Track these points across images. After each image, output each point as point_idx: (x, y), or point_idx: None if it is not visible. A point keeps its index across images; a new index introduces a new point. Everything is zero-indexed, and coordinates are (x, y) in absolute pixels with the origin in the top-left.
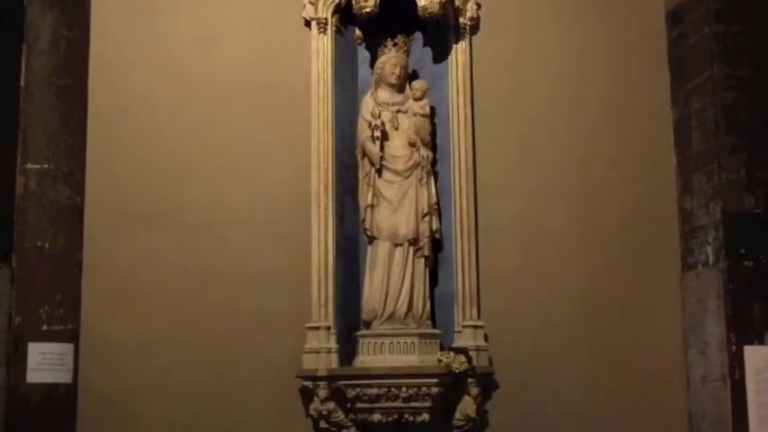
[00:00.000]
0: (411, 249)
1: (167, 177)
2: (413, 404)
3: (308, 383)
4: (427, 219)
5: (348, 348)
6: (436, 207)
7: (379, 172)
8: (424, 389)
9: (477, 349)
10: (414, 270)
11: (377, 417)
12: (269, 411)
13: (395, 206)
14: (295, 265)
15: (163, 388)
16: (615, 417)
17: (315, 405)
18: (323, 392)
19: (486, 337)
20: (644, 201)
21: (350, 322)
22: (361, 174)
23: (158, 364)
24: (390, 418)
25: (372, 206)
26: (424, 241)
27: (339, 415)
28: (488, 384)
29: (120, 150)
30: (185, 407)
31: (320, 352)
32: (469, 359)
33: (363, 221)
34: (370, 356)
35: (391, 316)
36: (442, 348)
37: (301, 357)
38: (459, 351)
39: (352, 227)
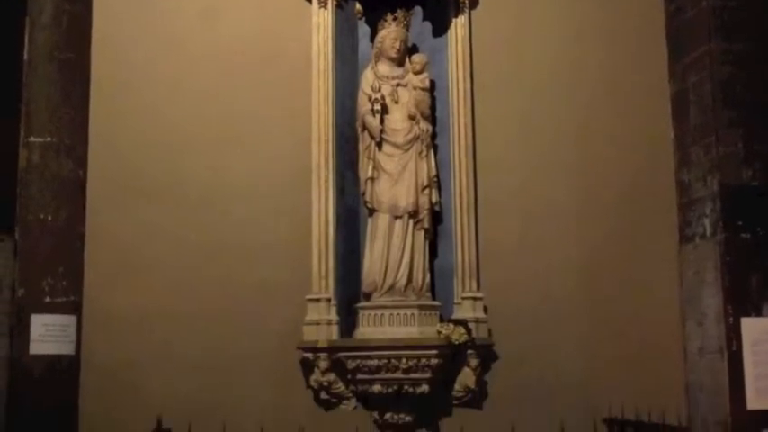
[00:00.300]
0: (411, 222)
1: (169, 151)
2: (413, 375)
3: (309, 355)
4: (427, 191)
5: (348, 320)
6: (436, 180)
7: (379, 145)
8: (423, 360)
9: (477, 321)
10: (413, 242)
11: (377, 388)
12: (270, 383)
13: (395, 179)
14: (296, 238)
15: (165, 359)
16: (614, 388)
17: (315, 376)
18: (323, 364)
19: (485, 309)
20: (642, 174)
21: (350, 294)
22: (361, 147)
23: (160, 335)
24: (390, 389)
25: (372, 179)
26: (424, 214)
27: (339, 386)
28: (488, 356)
29: (123, 124)
30: (187, 378)
31: (320, 324)
32: (469, 331)
33: (363, 194)
34: (371, 328)
35: (391, 288)
36: (441, 320)
37: (302, 329)
38: (458, 323)
39: (353, 199)
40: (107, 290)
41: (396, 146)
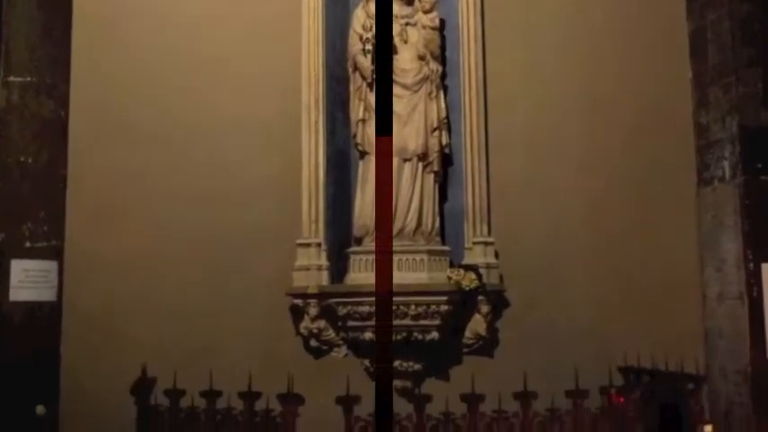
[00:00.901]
0: (420, 165)
1: (155, 90)
2: (422, 322)
3: (299, 301)
4: (437, 133)
5: (339, 265)
6: (446, 121)
7: (371, 86)
8: (433, 307)
9: (488, 266)
10: (423, 186)
11: (368, 335)
12: (259, 330)
13: (404, 120)
14: (286, 181)
15: (150, 306)
16: (628, 334)
17: (305, 323)
18: (313, 310)
19: (496, 254)
20: (659, 115)
21: (341, 239)
22: (352, 88)
23: (145, 281)
24: (399, 336)
25: (364, 120)
26: (434, 156)
27: (330, 333)
28: (499, 302)
29: (106, 62)
30: (173, 325)
31: (310, 269)
32: (480, 276)
33: (354, 136)
34: (362, 273)
35: (400, 232)
36: (451, 265)
37: (292, 275)
38: (469, 268)
39: (344, 141)
40: (90, 234)
41: (405, 87)
